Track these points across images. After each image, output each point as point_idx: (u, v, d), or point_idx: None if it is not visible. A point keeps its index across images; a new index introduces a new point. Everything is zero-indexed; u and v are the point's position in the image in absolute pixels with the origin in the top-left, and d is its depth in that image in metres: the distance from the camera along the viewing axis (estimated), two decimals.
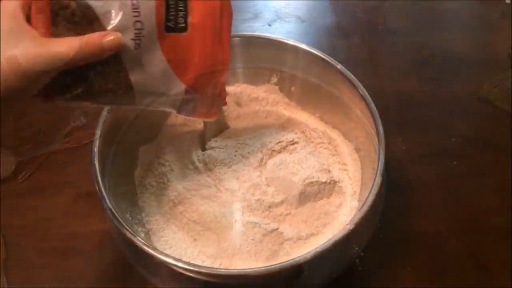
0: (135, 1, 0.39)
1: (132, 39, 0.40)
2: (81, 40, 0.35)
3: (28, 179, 0.63)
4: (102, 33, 0.37)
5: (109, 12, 0.38)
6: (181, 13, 0.42)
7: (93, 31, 0.37)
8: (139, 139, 0.61)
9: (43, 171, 0.64)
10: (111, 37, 0.37)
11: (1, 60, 0.32)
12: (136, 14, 0.39)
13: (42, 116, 0.70)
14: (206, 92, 0.48)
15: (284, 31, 0.82)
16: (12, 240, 0.58)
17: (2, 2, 0.35)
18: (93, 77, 0.39)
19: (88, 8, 0.37)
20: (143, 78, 0.42)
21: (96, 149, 0.51)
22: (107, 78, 0.40)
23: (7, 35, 0.33)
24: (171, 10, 0.41)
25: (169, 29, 0.41)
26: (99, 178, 0.49)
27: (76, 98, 0.40)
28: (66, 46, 0.35)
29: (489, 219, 0.60)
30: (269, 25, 0.84)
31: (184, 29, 0.42)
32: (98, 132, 0.52)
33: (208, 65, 0.46)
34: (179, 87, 0.45)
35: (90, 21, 0.38)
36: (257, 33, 0.67)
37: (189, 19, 0.42)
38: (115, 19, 0.38)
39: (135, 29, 0.39)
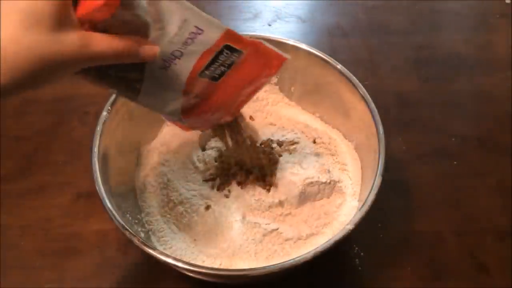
0: (197, 33, 0.37)
1: (164, 60, 0.38)
2: (121, 43, 0.33)
3: (28, 179, 0.63)
4: (143, 41, 0.35)
5: (165, 25, 0.36)
6: (222, 68, 0.41)
7: (138, 34, 0.35)
8: (139, 139, 0.61)
9: (43, 171, 0.64)
10: (150, 51, 0.35)
11: (47, 47, 0.29)
12: (182, 46, 0.38)
13: (43, 116, 0.70)
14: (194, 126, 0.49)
15: (284, 31, 0.82)
16: (12, 240, 0.58)
17: None
18: (112, 73, 0.38)
19: (150, 11, 0.35)
20: (152, 94, 0.41)
21: (96, 149, 0.51)
22: (122, 78, 0.39)
23: (54, 21, 0.29)
24: (215, 63, 0.40)
25: (202, 75, 0.41)
26: (99, 178, 0.49)
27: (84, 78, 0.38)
28: (106, 45, 0.32)
29: (489, 219, 0.60)
30: (269, 25, 0.84)
31: (215, 80, 0.42)
32: (98, 132, 0.52)
33: (215, 119, 0.48)
34: (177, 115, 0.44)
35: (143, 24, 0.35)
36: (257, 33, 0.67)
37: (224, 77, 0.42)
38: (164, 35, 0.36)
39: (172, 54, 0.38)
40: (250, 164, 0.55)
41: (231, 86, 0.44)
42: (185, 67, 0.40)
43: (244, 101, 0.49)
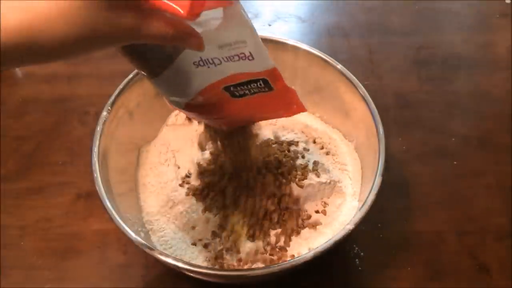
0: (247, 57, 0.37)
1: (201, 58, 0.38)
2: (173, 29, 0.31)
3: (28, 179, 0.63)
4: (194, 32, 0.33)
5: (226, 32, 0.35)
6: (247, 92, 0.42)
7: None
8: (139, 139, 0.61)
9: (43, 171, 0.64)
10: (198, 41, 0.33)
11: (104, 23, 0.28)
12: (226, 59, 0.37)
13: (43, 116, 0.70)
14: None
15: (284, 31, 0.82)
16: (12, 240, 0.58)
17: None
18: (142, 51, 0.37)
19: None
20: (169, 83, 0.41)
21: (96, 149, 0.51)
22: (150, 59, 0.38)
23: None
24: (244, 86, 0.41)
25: (225, 89, 0.41)
26: (99, 178, 0.49)
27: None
28: (157, 30, 0.30)
29: (489, 219, 0.60)
30: (269, 25, 0.84)
31: (233, 96, 0.42)
32: (98, 132, 0.52)
33: (213, 122, 0.48)
34: (179, 106, 0.44)
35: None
36: None
37: (244, 98, 0.42)
38: (218, 39, 0.36)
39: (212, 59, 0.38)
40: (252, 165, 0.54)
41: (245, 108, 0.44)
42: (215, 75, 0.40)
43: (248, 122, 0.50)
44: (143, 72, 0.41)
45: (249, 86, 0.41)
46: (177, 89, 0.42)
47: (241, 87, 0.41)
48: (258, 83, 0.40)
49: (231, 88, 0.41)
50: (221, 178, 0.54)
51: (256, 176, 0.53)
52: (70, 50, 0.29)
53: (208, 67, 0.39)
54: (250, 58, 0.37)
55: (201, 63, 0.38)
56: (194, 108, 0.44)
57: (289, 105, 0.46)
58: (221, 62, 0.38)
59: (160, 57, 0.38)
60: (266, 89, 0.41)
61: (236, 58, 0.37)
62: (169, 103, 0.45)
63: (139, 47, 0.36)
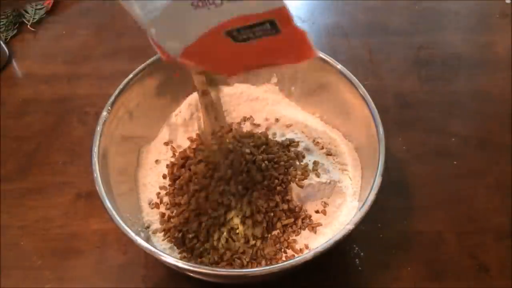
0: None
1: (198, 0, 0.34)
2: None
3: (28, 179, 0.63)
4: None
5: None
6: (251, 35, 0.37)
7: None
8: (139, 139, 0.61)
9: (43, 171, 0.64)
10: None
11: None
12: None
13: (43, 116, 0.70)
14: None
15: None
16: (12, 240, 0.58)
17: None
18: None
19: None
20: (168, 23, 0.37)
21: (96, 149, 0.51)
22: None
23: None
24: (248, 29, 0.37)
25: (227, 33, 0.37)
26: (99, 178, 0.49)
27: None
28: None
29: (489, 219, 0.60)
30: None
31: (235, 40, 0.38)
32: (98, 132, 0.52)
33: (210, 68, 0.44)
34: (174, 51, 0.39)
35: None
36: None
37: (247, 43, 0.38)
38: None
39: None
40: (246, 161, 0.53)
41: (249, 52, 0.40)
42: (215, 17, 0.36)
43: (250, 67, 0.44)
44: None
45: (253, 29, 0.37)
46: (175, 33, 0.38)
47: (245, 31, 0.37)
48: (264, 26, 0.36)
49: (233, 33, 0.37)
50: (219, 179, 0.53)
51: (256, 176, 0.53)
52: None
53: (208, 8, 0.35)
54: None
55: (200, 3, 0.35)
56: (192, 55, 0.40)
57: (298, 49, 0.40)
58: (222, 3, 0.34)
59: None
60: (273, 31, 0.37)
61: None
62: (162, 54, 0.40)
63: None
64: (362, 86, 0.55)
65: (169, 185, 0.57)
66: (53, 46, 0.81)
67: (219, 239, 0.52)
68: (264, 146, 0.56)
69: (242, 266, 0.50)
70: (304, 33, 0.39)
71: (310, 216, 0.54)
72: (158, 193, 0.57)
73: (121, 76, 0.57)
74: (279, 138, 0.60)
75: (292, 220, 0.53)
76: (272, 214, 0.52)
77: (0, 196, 0.61)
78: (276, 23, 0.36)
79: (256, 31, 0.37)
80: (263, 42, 0.38)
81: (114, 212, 0.46)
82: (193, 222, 0.52)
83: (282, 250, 0.52)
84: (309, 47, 0.40)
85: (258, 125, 0.63)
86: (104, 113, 0.53)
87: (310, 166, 0.56)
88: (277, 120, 0.63)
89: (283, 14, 0.36)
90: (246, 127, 0.63)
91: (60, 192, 0.62)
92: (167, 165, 0.58)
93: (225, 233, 0.52)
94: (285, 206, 0.52)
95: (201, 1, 0.35)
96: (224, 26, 0.36)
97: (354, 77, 0.56)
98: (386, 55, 0.78)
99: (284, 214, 0.53)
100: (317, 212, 0.54)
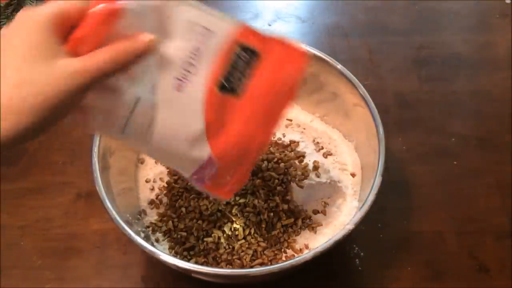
0: (204, 34, 0.32)
1: (176, 77, 0.33)
2: (115, 47, 0.30)
3: (28, 179, 0.63)
4: (133, 36, 0.31)
5: (168, 31, 0.32)
6: (238, 74, 0.36)
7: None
8: None
9: (43, 171, 0.64)
10: (145, 39, 0.31)
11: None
12: (192, 55, 0.33)
13: None
14: (228, 168, 0.39)
15: (284, 31, 0.82)
16: (12, 240, 0.58)
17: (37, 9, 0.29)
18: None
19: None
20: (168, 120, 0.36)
21: (96, 149, 0.51)
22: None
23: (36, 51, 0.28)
24: (234, 71, 0.36)
25: (223, 89, 0.36)
26: (99, 178, 0.49)
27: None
28: (103, 55, 0.30)
29: (489, 219, 0.60)
30: (269, 25, 0.84)
31: (235, 93, 0.36)
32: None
33: (244, 142, 0.39)
34: (204, 151, 0.37)
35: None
36: None
37: (248, 87, 0.37)
38: (170, 42, 0.32)
39: (183, 68, 0.34)
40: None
41: (256, 98, 0.37)
42: (200, 81, 0.34)
43: (268, 135, 0.41)
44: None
45: (236, 66, 0.35)
46: (181, 133, 0.36)
47: (231, 75, 0.36)
48: (240, 55, 0.35)
49: (225, 84, 0.36)
50: None
51: (256, 176, 0.53)
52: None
53: (189, 80, 0.34)
54: (207, 31, 0.33)
55: (180, 82, 0.34)
56: (218, 157, 0.37)
57: (288, 56, 0.38)
58: (193, 65, 0.34)
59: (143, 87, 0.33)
60: (253, 56, 0.36)
61: (198, 42, 0.33)
62: (221, 193, 0.40)
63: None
64: (362, 86, 0.55)
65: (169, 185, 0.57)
66: None
67: (219, 239, 0.52)
68: None
69: (242, 266, 0.50)
70: (281, 37, 0.38)
71: (310, 216, 0.54)
72: (158, 193, 0.57)
73: None
74: (279, 138, 0.60)
75: (292, 220, 0.53)
76: (272, 214, 0.52)
77: (0, 196, 0.61)
78: (246, 45, 0.36)
79: (239, 66, 0.36)
80: (258, 82, 0.37)
81: (114, 212, 0.46)
82: (193, 222, 0.52)
83: (282, 250, 0.52)
84: (299, 52, 0.39)
85: None
86: None
87: (310, 166, 0.56)
88: None
89: (246, 31, 0.35)
90: None
91: (60, 192, 0.62)
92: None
93: (225, 233, 0.52)
94: (285, 206, 0.52)
95: (179, 79, 0.34)
96: (212, 81, 0.35)
97: (354, 77, 0.56)
98: (386, 55, 0.78)
99: (284, 214, 0.53)
100: (317, 212, 0.54)
